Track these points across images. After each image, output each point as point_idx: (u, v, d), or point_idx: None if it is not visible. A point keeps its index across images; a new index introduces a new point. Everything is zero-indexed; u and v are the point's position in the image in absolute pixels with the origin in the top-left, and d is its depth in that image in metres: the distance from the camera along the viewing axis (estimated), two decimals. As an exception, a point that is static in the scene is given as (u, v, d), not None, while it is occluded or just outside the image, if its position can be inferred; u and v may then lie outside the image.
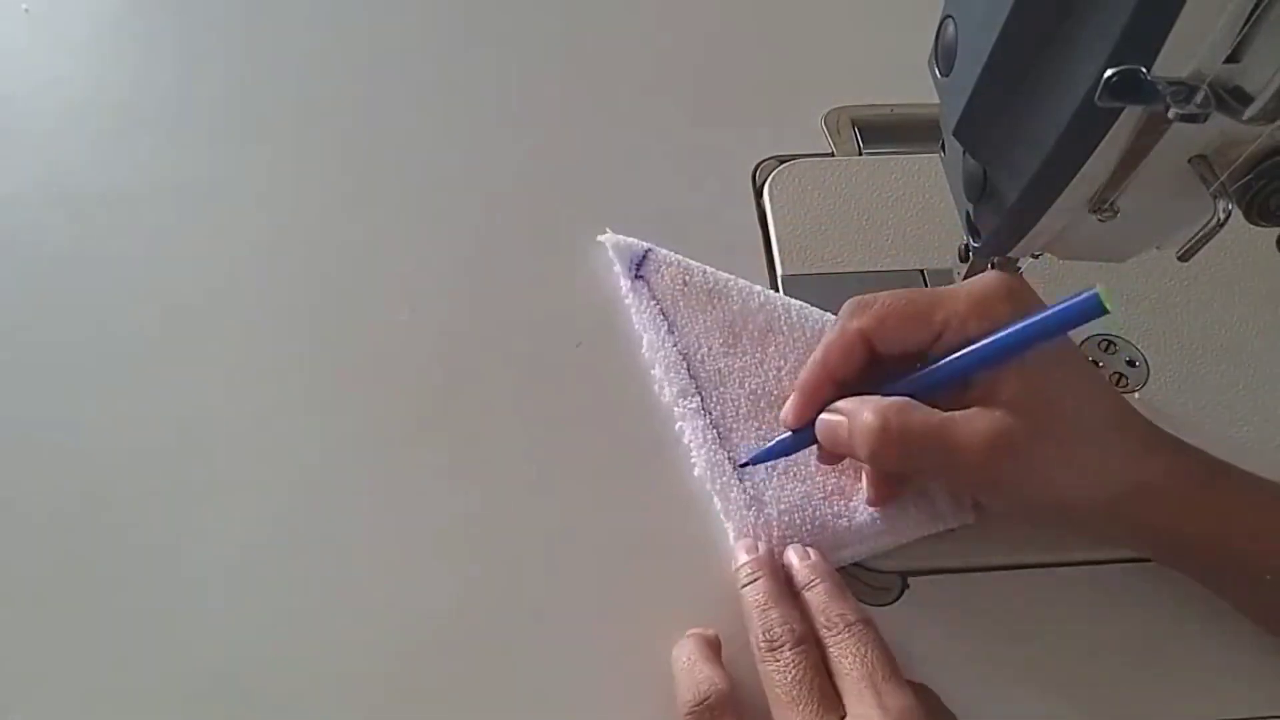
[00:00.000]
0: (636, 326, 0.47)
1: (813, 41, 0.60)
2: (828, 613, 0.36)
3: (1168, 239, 0.36)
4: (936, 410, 0.36)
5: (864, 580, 0.41)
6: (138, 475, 0.43)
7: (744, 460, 0.41)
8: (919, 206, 0.51)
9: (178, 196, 0.51)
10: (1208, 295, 0.49)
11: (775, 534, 0.40)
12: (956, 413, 0.36)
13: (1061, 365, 0.36)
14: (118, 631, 0.39)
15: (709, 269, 0.47)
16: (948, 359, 0.37)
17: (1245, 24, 0.27)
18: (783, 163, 0.53)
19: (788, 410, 0.40)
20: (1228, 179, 0.31)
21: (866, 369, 0.39)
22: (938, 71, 0.37)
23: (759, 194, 0.52)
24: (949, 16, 0.36)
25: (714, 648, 0.38)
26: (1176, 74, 0.28)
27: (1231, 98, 0.28)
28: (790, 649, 0.35)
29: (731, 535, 0.41)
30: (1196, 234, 0.32)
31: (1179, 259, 0.34)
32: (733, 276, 0.47)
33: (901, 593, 0.41)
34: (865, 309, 0.38)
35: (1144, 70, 0.28)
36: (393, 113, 0.55)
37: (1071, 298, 0.34)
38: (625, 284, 0.48)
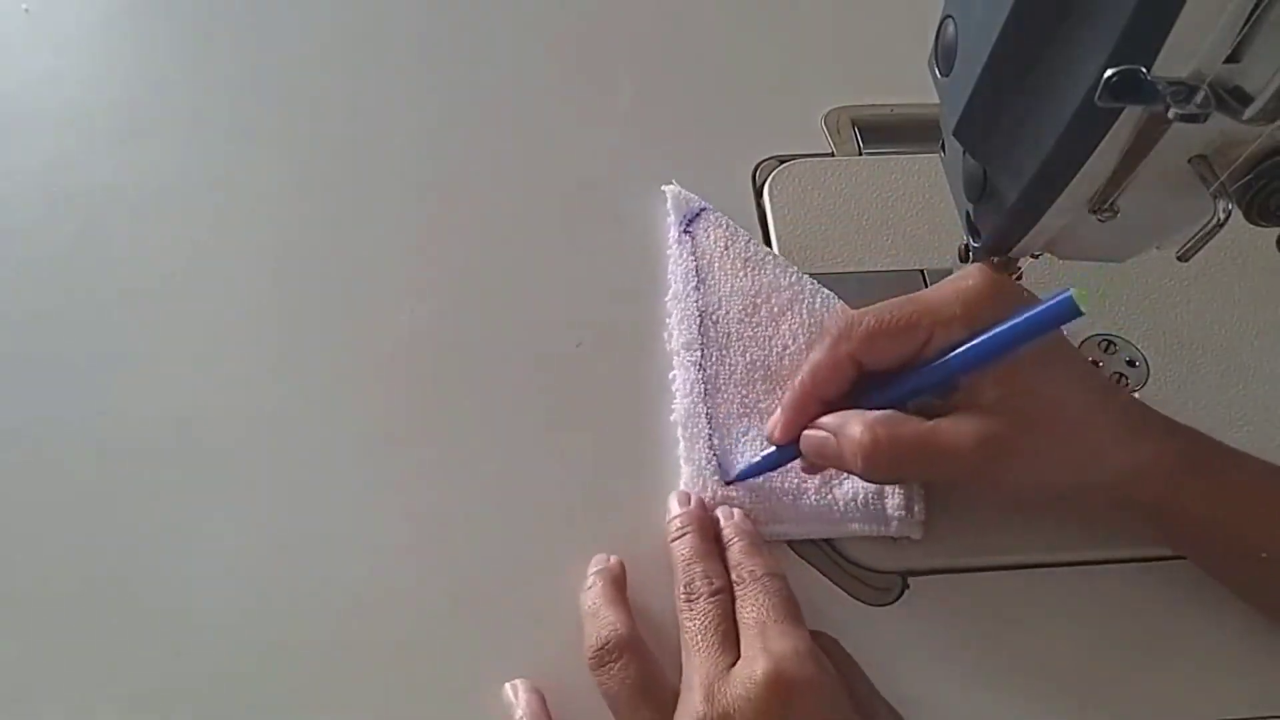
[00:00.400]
0: (669, 275, 0.48)
1: (813, 41, 0.60)
2: (740, 569, 0.38)
3: (1168, 239, 0.36)
4: (922, 419, 0.37)
5: (864, 580, 0.41)
6: (137, 474, 0.43)
7: (731, 477, 0.42)
8: (919, 206, 0.51)
9: (178, 195, 0.51)
10: (1208, 295, 0.49)
11: (720, 492, 0.41)
12: (941, 420, 0.37)
13: (1042, 358, 0.37)
14: (116, 630, 0.39)
15: (755, 241, 0.48)
16: (929, 368, 0.37)
17: (1245, 24, 0.27)
18: (783, 163, 0.53)
19: (774, 427, 0.41)
20: (1228, 179, 0.31)
21: (855, 384, 0.39)
22: (938, 71, 0.37)
23: (759, 194, 0.52)
24: (949, 16, 0.36)
25: (619, 587, 0.39)
26: (1176, 74, 0.28)
27: (1231, 98, 0.28)
28: (706, 599, 0.37)
29: (683, 480, 0.42)
30: (1196, 234, 0.32)
31: (1179, 259, 0.34)
32: (773, 252, 0.48)
33: (901, 593, 0.41)
34: (853, 330, 0.38)
35: (1144, 70, 0.28)
36: (390, 116, 0.55)
37: (1047, 300, 0.34)
38: (673, 233, 0.49)
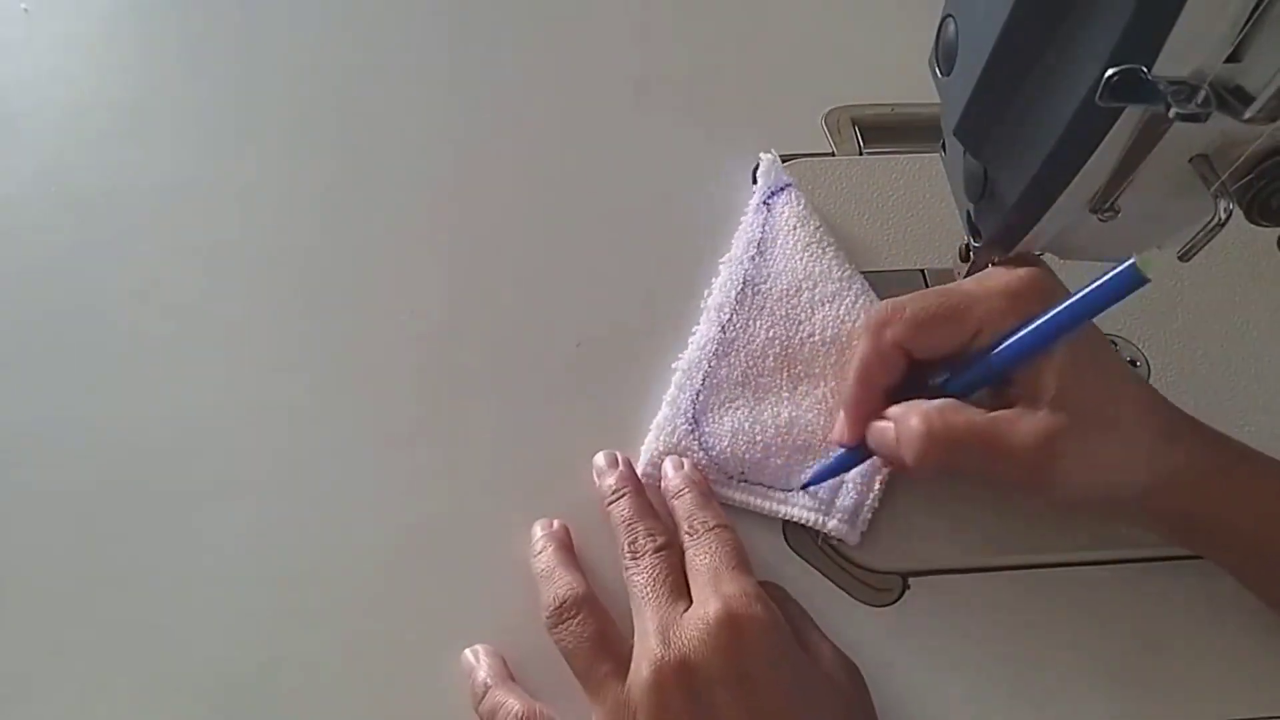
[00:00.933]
0: (733, 239, 0.49)
1: (813, 41, 0.60)
2: (691, 520, 0.39)
3: (1168, 239, 0.36)
4: (981, 410, 0.37)
5: (864, 580, 0.41)
6: (137, 474, 0.43)
7: (806, 480, 0.42)
8: (919, 206, 0.51)
9: (179, 196, 0.51)
10: (1208, 295, 0.49)
11: (683, 441, 0.42)
12: (1001, 413, 0.36)
13: (1095, 358, 0.36)
14: (117, 630, 0.39)
15: (825, 229, 0.48)
16: (992, 353, 0.37)
17: (1246, 23, 0.27)
18: (783, 162, 0.53)
19: (840, 429, 0.41)
20: (1229, 178, 0.31)
21: (907, 373, 0.39)
22: (938, 71, 0.37)
23: (759, 194, 0.52)
24: (949, 16, 0.36)
25: (568, 549, 0.40)
26: (1177, 73, 0.28)
27: (1232, 97, 0.28)
28: (651, 554, 0.38)
29: (657, 419, 0.43)
30: (1197, 234, 0.32)
31: (1180, 259, 0.33)
32: (837, 246, 0.48)
33: (902, 593, 0.41)
34: (897, 316, 0.38)
35: (1145, 70, 0.28)
36: (385, 117, 0.55)
37: (1108, 272, 0.33)
38: (754, 201, 0.50)
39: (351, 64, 0.57)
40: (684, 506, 0.40)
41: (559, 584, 0.38)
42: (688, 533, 0.39)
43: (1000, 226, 0.38)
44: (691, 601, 0.36)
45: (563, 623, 0.37)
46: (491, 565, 0.41)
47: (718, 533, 0.38)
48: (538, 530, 0.41)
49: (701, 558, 0.37)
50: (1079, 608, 0.41)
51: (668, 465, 0.42)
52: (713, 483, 0.42)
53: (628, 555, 0.38)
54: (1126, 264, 0.32)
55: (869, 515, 0.41)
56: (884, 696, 0.37)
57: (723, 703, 0.33)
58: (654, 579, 0.37)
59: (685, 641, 0.34)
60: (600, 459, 0.42)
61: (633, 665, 0.35)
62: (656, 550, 0.38)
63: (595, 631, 0.36)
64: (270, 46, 0.58)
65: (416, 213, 0.51)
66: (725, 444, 0.42)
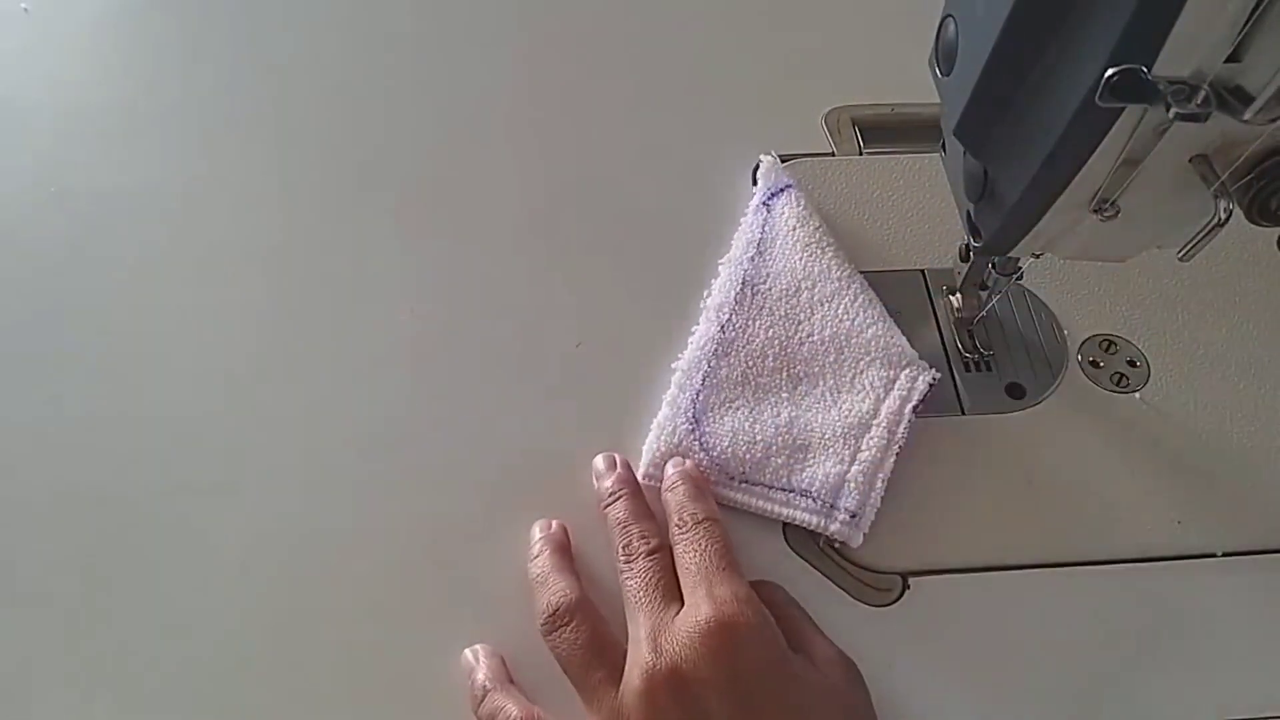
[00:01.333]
0: (733, 240, 0.49)
1: (813, 41, 0.60)
2: (682, 512, 0.39)
3: (1169, 239, 0.36)
4: None
5: (864, 580, 0.41)
6: (136, 473, 0.43)
7: None
8: (919, 206, 0.51)
9: (177, 196, 0.51)
10: (1208, 295, 0.49)
11: (684, 441, 0.42)
12: None
13: None
14: (116, 630, 0.39)
15: (824, 230, 0.48)
16: None
17: (1246, 24, 0.27)
18: (783, 162, 0.53)
19: None
20: (1229, 178, 0.31)
21: None
22: (938, 71, 0.37)
23: (759, 194, 0.52)
24: (949, 16, 0.36)
25: (565, 552, 0.40)
26: (1177, 73, 0.28)
27: (1232, 97, 0.28)
28: (645, 558, 0.38)
29: (658, 418, 0.43)
30: (1197, 234, 0.32)
31: (1180, 259, 0.34)
32: (836, 246, 0.48)
33: (902, 593, 0.41)
34: None
35: (1145, 70, 0.28)
36: (384, 118, 0.55)
37: None
38: (754, 202, 0.50)
39: (350, 64, 0.58)
40: (675, 499, 0.40)
41: (553, 590, 0.38)
42: (677, 525, 0.39)
43: (1000, 226, 0.38)
44: (683, 603, 0.36)
45: (556, 630, 0.37)
46: (491, 566, 0.41)
47: (706, 526, 0.38)
48: (536, 532, 0.41)
49: (690, 555, 0.37)
50: (1078, 608, 0.41)
51: (669, 466, 0.42)
52: (714, 484, 0.42)
53: (622, 559, 0.38)
54: None
55: (872, 516, 0.41)
56: (884, 696, 0.37)
57: (715, 708, 0.33)
58: (646, 583, 0.37)
59: (676, 649, 0.34)
60: (599, 462, 0.42)
61: (625, 672, 0.35)
62: (650, 554, 0.38)
63: (588, 638, 0.36)
64: (270, 47, 0.58)
65: (416, 213, 0.51)
66: (725, 444, 0.42)
